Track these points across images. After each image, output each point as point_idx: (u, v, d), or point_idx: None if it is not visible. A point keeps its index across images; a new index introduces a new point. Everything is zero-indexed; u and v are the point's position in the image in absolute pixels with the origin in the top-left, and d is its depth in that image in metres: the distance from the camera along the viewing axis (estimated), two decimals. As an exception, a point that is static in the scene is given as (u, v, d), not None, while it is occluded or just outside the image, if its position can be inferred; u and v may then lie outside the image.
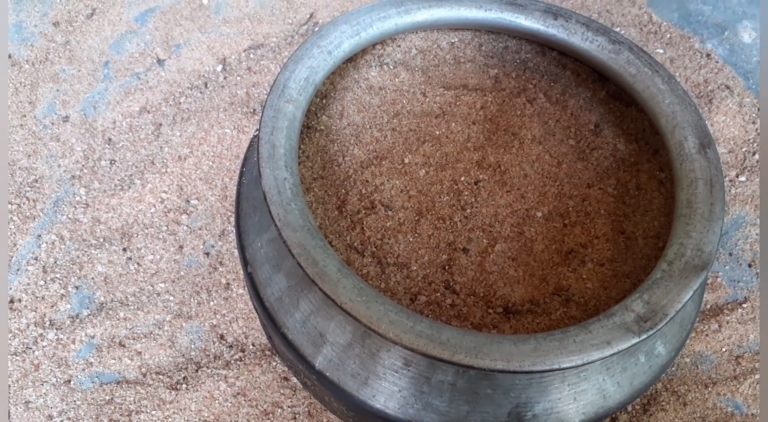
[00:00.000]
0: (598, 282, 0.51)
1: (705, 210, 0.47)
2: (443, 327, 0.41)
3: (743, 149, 0.83)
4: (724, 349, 0.67)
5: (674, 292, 0.44)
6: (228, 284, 0.72)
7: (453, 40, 0.66)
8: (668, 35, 0.97)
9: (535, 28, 0.60)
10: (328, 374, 0.47)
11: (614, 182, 0.57)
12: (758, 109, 0.84)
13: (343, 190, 0.56)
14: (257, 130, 0.61)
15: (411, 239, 0.54)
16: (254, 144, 0.58)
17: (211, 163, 0.80)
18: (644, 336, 0.42)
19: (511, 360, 0.40)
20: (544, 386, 0.44)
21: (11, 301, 0.73)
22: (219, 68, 0.91)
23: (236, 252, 0.74)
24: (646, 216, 0.55)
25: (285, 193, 0.46)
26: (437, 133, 0.61)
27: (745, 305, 0.69)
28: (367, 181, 0.57)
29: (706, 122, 0.78)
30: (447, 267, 0.52)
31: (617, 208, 0.56)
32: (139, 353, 0.69)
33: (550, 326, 0.49)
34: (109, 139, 0.86)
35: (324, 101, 0.61)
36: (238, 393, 0.65)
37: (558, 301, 0.50)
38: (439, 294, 0.51)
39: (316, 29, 0.95)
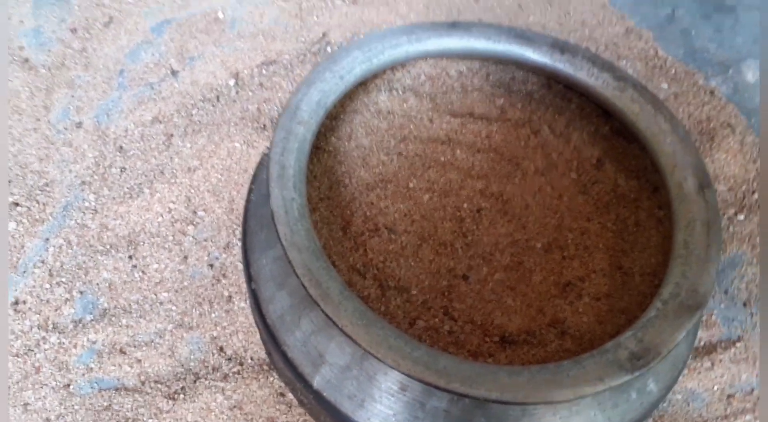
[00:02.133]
0: (594, 316, 0.52)
1: (701, 251, 0.49)
2: (440, 355, 0.42)
3: (743, 187, 0.84)
4: (716, 388, 0.68)
5: (668, 332, 0.45)
6: (230, 297, 0.73)
7: (461, 69, 0.68)
8: (673, 70, 0.99)
9: (542, 61, 0.62)
10: (325, 394, 0.47)
11: (614, 217, 0.58)
12: (759, 149, 0.86)
13: (348, 212, 0.58)
14: (268, 147, 0.63)
15: (412, 263, 0.55)
16: (264, 162, 0.60)
17: (219, 176, 0.82)
18: (636, 373, 0.43)
19: (505, 391, 0.41)
20: (537, 418, 0.45)
21: (16, 302, 0.74)
22: (231, 82, 0.93)
23: (240, 266, 0.75)
24: (644, 253, 0.56)
25: (292, 213, 0.48)
26: (442, 159, 0.62)
27: (738, 344, 0.70)
28: (372, 204, 0.58)
29: (707, 159, 0.79)
30: (446, 293, 0.53)
31: (615, 243, 0.57)
32: (139, 361, 0.70)
33: (545, 357, 0.49)
34: (121, 147, 0.88)
35: (333, 123, 0.63)
36: (235, 407, 0.66)
37: (554, 333, 0.51)
38: (437, 319, 0.52)
39: (328, 50, 0.97)
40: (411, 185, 0.60)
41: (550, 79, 0.65)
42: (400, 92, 0.66)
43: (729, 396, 0.68)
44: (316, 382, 0.48)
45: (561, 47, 0.61)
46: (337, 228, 0.56)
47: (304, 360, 0.49)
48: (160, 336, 0.71)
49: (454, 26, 0.62)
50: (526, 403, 0.41)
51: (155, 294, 0.74)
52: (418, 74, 0.67)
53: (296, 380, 0.49)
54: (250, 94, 0.91)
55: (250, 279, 0.53)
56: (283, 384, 0.66)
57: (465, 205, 0.59)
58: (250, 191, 0.57)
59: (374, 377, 0.46)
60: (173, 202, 0.81)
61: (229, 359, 0.69)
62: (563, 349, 0.50)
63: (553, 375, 0.42)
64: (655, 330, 0.45)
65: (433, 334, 0.51)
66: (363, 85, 0.66)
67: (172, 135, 0.87)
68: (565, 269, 0.55)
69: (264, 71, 0.95)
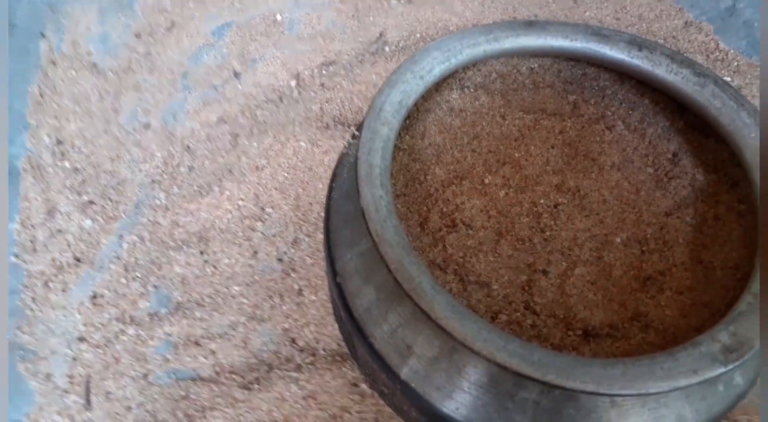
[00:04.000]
0: (677, 309, 0.52)
1: (792, 245, 0.48)
2: (534, 348, 0.43)
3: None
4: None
5: (760, 329, 0.45)
6: (300, 290, 0.74)
7: (533, 66, 0.68)
8: (735, 63, 0.97)
9: (620, 58, 0.62)
10: (413, 385, 0.49)
11: (692, 212, 0.58)
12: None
13: (425, 208, 0.58)
14: (346, 146, 0.64)
15: (491, 258, 0.55)
16: (343, 161, 0.61)
17: (286, 174, 0.84)
18: (730, 366, 0.43)
19: (601, 383, 0.41)
20: (626, 409, 0.45)
21: (94, 296, 0.77)
22: (293, 83, 0.95)
23: (309, 260, 0.77)
24: (725, 246, 0.55)
25: (381, 210, 0.49)
26: (516, 155, 0.63)
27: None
28: (448, 200, 0.59)
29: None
30: (527, 287, 0.54)
31: (695, 237, 0.56)
32: (214, 352, 0.72)
33: (629, 351, 0.50)
34: (188, 147, 0.90)
35: (407, 121, 0.64)
36: (308, 396, 0.67)
37: (637, 327, 0.51)
38: (519, 314, 0.52)
39: (386, 50, 0.98)
40: (486, 181, 0.60)
41: (624, 75, 0.65)
42: (472, 90, 0.67)
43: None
44: (404, 373, 0.49)
45: (639, 44, 0.61)
46: (415, 225, 0.57)
47: (392, 351, 0.50)
48: (233, 329, 0.73)
49: (530, 25, 0.62)
50: (623, 395, 0.41)
51: (227, 288, 0.77)
52: (489, 72, 0.67)
53: (382, 371, 0.51)
54: (312, 94, 0.93)
55: (335, 274, 0.54)
56: (356, 375, 0.67)
57: (542, 201, 0.59)
58: (331, 190, 0.59)
59: (464, 369, 0.47)
60: (242, 200, 0.83)
61: (302, 350, 0.70)
62: (647, 342, 0.50)
63: (648, 368, 0.42)
64: (748, 323, 0.45)
65: (515, 328, 0.51)
66: (435, 83, 0.66)
67: (238, 135, 0.90)
68: (645, 263, 0.55)
69: (324, 72, 0.97)
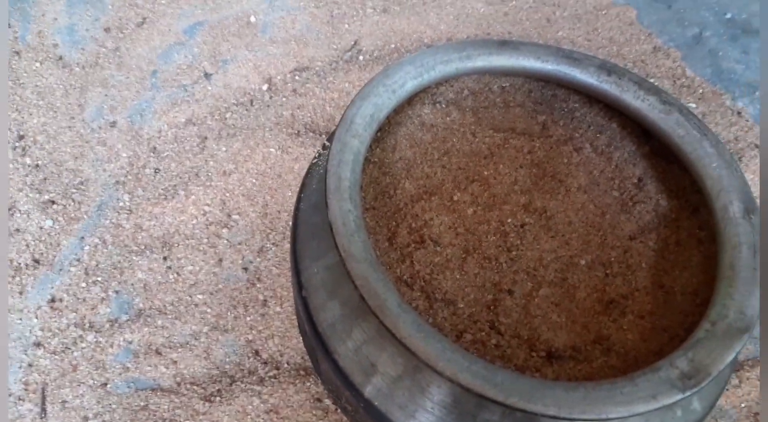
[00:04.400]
0: (638, 333, 0.53)
1: (748, 274, 0.50)
2: (497, 370, 0.43)
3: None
4: (743, 405, 0.69)
5: (717, 352, 0.46)
6: (265, 301, 0.74)
7: (504, 85, 0.69)
8: (701, 90, 1.00)
9: (590, 82, 0.63)
10: (376, 403, 0.48)
11: (655, 237, 0.59)
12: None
13: (394, 223, 0.58)
14: (316, 156, 0.64)
15: (458, 276, 0.56)
16: (313, 171, 0.60)
17: (254, 181, 0.83)
18: (688, 392, 0.44)
19: (562, 407, 0.42)
20: (586, 433, 0.46)
21: (53, 300, 0.75)
22: (265, 87, 0.94)
23: (275, 270, 0.76)
24: (685, 272, 0.57)
25: (349, 224, 0.49)
26: (485, 173, 0.63)
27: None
28: (417, 216, 0.59)
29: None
30: (492, 307, 0.54)
31: (657, 262, 0.58)
32: (175, 362, 0.70)
33: (591, 374, 0.50)
34: (154, 148, 0.89)
35: (379, 134, 0.64)
36: (271, 410, 0.66)
37: (599, 350, 0.52)
38: (484, 333, 0.53)
39: (360, 59, 0.98)
40: (455, 198, 0.61)
41: (593, 98, 0.66)
42: (444, 106, 0.67)
43: (756, 414, 0.69)
44: (368, 392, 0.49)
45: (608, 69, 0.62)
46: (383, 239, 0.57)
47: (356, 369, 0.49)
48: (196, 338, 0.72)
49: (503, 44, 0.63)
50: (583, 419, 0.41)
51: (190, 296, 0.75)
52: (461, 88, 0.68)
53: (346, 389, 0.50)
54: (284, 99, 0.92)
55: (300, 287, 0.53)
56: (319, 390, 0.67)
57: (509, 220, 0.59)
58: (299, 200, 0.58)
59: (427, 389, 0.47)
60: (208, 205, 0.82)
61: (265, 363, 0.70)
62: (608, 366, 0.51)
63: (608, 392, 0.43)
64: (706, 350, 0.46)
65: (479, 348, 0.52)
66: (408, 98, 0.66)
67: (206, 137, 0.88)
68: (609, 286, 0.56)
69: (297, 77, 0.96)
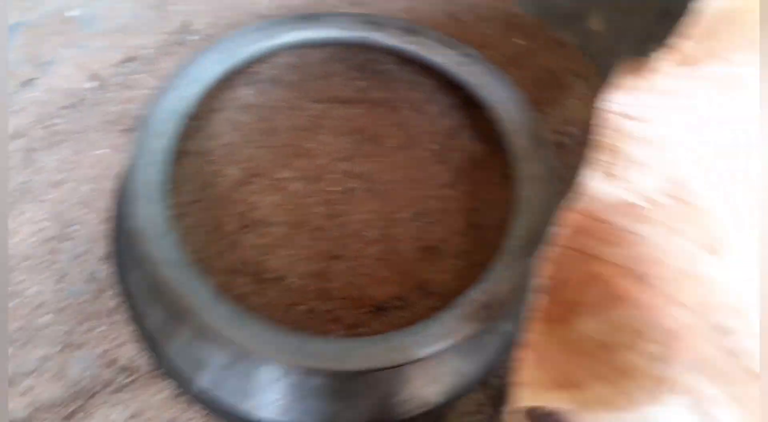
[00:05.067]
0: (455, 273, 0.58)
1: (535, 205, 0.55)
2: (309, 340, 0.47)
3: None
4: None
5: (511, 279, 0.51)
6: (115, 307, 0.73)
7: (322, 56, 0.71)
8: (529, 27, 1.05)
9: (394, 44, 0.66)
10: (211, 393, 0.51)
11: (468, 181, 0.64)
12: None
13: (221, 211, 0.60)
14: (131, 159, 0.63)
15: (287, 253, 0.58)
16: (126, 176, 0.60)
17: (89, 186, 0.80)
18: (487, 323, 0.49)
19: (372, 360, 0.46)
20: (407, 376, 0.50)
21: None
22: (91, 85, 0.90)
23: (125, 274, 0.75)
24: (495, 210, 0.62)
25: (157, 229, 0.50)
26: (309, 146, 0.65)
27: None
28: (244, 200, 0.61)
29: (560, 106, 0.86)
30: (323, 275, 0.57)
31: (472, 204, 0.62)
32: (31, 388, 0.69)
33: (413, 319, 0.55)
34: (-18, 168, 0.84)
35: (198, 123, 0.64)
36: (135, 415, 0.67)
37: (420, 295, 0.57)
38: (316, 302, 0.56)
39: (193, 39, 0.96)
40: (280, 176, 0.63)
41: (406, 58, 0.69)
42: (263, 84, 0.68)
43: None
44: (203, 383, 0.51)
45: (411, 30, 0.65)
46: (211, 230, 0.59)
47: (188, 366, 0.52)
48: (47, 361, 0.71)
49: (305, 18, 0.64)
50: (384, 369, 0.46)
51: (37, 319, 0.74)
52: (280, 64, 0.69)
53: (183, 385, 0.52)
54: (113, 95, 0.89)
55: (125, 295, 0.54)
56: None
57: (333, 188, 0.62)
58: (119, 206, 0.58)
59: (255, 370, 0.50)
60: (43, 221, 0.79)
61: (123, 370, 0.69)
62: (429, 308, 0.56)
63: (414, 336, 0.48)
64: (500, 279, 0.51)
65: (312, 316, 0.55)
66: (225, 81, 0.67)
67: (34, 149, 0.84)
68: (428, 234, 0.60)
69: (125, 69, 0.92)
